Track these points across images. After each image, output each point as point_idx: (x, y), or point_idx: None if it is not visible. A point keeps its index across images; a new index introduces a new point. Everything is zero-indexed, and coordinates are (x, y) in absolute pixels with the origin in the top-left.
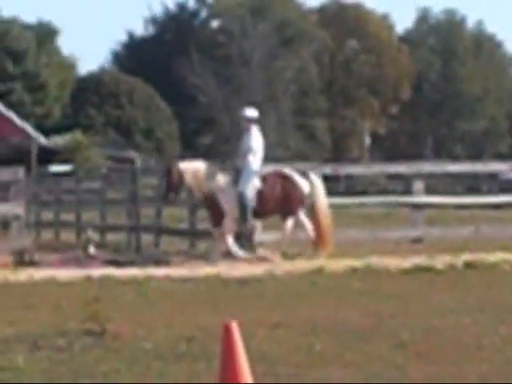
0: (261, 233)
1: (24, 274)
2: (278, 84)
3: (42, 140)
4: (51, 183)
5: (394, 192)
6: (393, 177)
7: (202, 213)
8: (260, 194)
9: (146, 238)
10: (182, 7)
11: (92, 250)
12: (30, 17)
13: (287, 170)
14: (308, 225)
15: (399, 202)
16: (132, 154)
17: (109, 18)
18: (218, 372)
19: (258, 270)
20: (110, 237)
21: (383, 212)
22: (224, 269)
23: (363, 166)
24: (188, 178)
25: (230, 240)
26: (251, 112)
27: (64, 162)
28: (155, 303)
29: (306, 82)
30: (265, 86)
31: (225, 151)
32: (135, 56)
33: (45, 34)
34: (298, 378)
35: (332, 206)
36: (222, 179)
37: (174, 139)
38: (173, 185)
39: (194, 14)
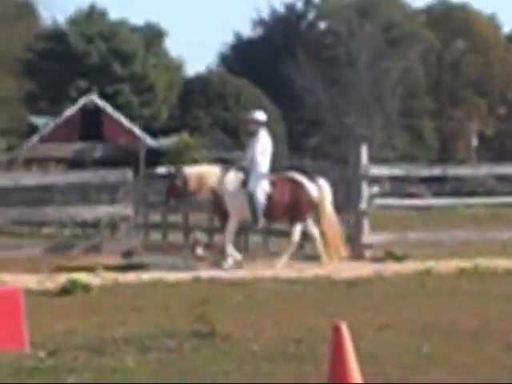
0: (368, 233)
1: (132, 275)
2: (384, 85)
3: (150, 141)
4: (159, 184)
5: (501, 193)
6: (501, 178)
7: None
8: (269, 198)
9: (255, 240)
10: (290, 9)
11: (200, 251)
12: (138, 19)
13: (296, 175)
14: (316, 234)
15: (507, 202)
16: (239, 155)
17: (216, 19)
18: (328, 373)
19: (366, 271)
20: (218, 238)
21: (491, 213)
22: (333, 270)
23: (471, 167)
24: (193, 183)
25: (228, 240)
26: (260, 115)
27: (171, 163)
28: (263, 304)
29: (413, 83)
30: (372, 86)
31: (332, 152)
32: (242, 57)
33: (152, 35)
34: (408, 379)
35: (440, 207)
36: (231, 181)
37: (281, 140)
38: (174, 190)
39: (302, 15)
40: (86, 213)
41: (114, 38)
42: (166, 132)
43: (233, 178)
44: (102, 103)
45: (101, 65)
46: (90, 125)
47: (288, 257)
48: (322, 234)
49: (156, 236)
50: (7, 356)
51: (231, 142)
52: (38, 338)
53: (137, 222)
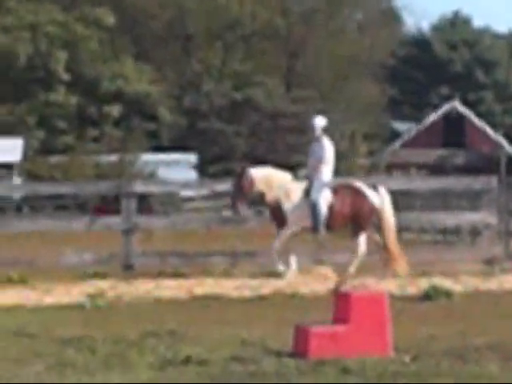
0: None
1: (495, 283)
2: None
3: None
4: None
5: None
6: None
7: None
8: (330, 207)
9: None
10: None
11: None
12: (501, 26)
13: (357, 183)
14: (378, 240)
15: None
16: None
17: None
18: None
19: None
20: None
21: None
22: None
23: None
24: (259, 184)
25: (276, 248)
26: (321, 121)
27: None
28: None
29: None
30: None
31: None
32: None
33: None
34: None
35: None
36: (293, 189)
37: None
38: (242, 190)
39: None
40: (448, 219)
41: (478, 45)
42: None
43: (296, 186)
44: (464, 110)
45: (463, 72)
46: (453, 132)
47: (355, 269)
48: (384, 243)
49: None
50: (372, 359)
51: None
52: (401, 342)
53: (499, 229)
